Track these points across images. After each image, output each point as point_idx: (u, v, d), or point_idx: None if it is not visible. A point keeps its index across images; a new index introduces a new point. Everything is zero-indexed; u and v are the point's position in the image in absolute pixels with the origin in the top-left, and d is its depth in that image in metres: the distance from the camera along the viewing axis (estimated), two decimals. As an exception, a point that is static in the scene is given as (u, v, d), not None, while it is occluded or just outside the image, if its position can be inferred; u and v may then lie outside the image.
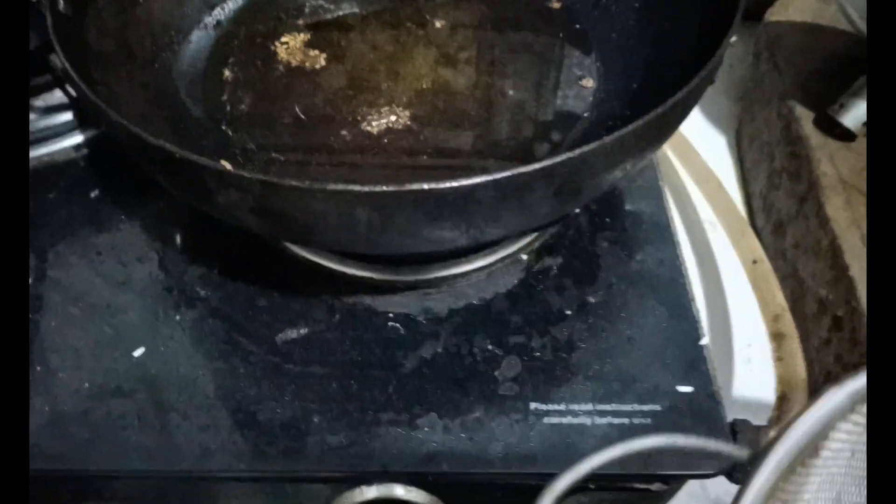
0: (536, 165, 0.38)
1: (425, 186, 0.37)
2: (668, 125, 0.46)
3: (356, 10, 0.67)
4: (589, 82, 0.60)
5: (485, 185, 0.38)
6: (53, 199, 0.62)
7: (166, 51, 0.59)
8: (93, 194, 0.62)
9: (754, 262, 0.59)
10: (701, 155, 0.71)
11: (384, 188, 0.37)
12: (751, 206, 0.70)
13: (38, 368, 0.52)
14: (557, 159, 0.38)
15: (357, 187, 0.37)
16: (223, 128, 0.56)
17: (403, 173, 0.54)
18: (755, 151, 0.72)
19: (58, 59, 0.44)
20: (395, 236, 0.42)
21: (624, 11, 0.62)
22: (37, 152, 0.64)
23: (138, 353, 0.52)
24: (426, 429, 0.48)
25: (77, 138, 0.65)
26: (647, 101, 0.55)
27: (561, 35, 0.64)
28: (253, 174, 0.37)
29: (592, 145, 0.39)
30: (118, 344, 0.53)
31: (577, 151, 0.39)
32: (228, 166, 0.38)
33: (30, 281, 0.56)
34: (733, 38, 0.49)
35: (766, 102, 0.70)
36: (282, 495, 0.49)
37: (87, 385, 0.51)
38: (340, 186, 0.37)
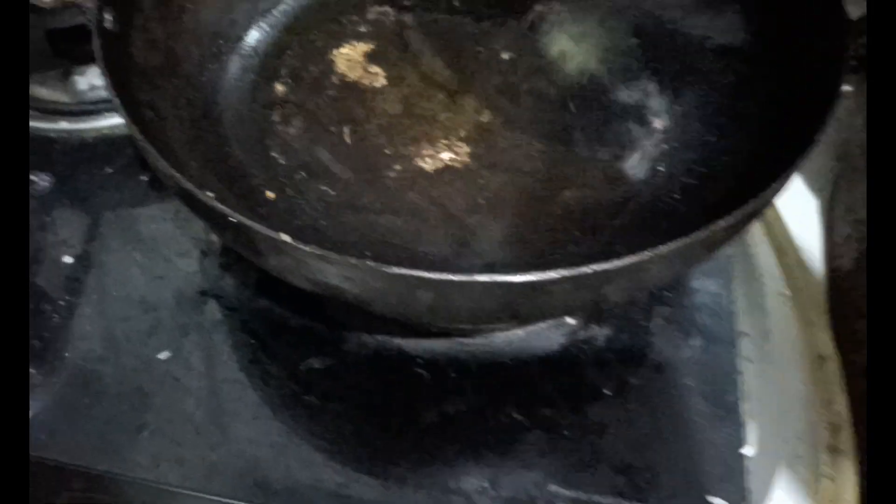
0: (619, 263, 0.35)
1: (497, 279, 0.35)
2: (744, 224, 0.42)
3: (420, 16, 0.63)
4: (660, 123, 0.55)
5: (561, 280, 0.35)
6: (108, 175, 0.61)
7: (214, 63, 0.56)
8: (144, 177, 0.61)
9: (821, 357, 0.54)
10: (784, 219, 0.65)
11: (451, 277, 0.35)
12: (835, 286, 0.64)
13: (67, 354, 0.52)
14: (642, 257, 0.35)
15: (422, 273, 0.35)
16: (272, 154, 0.54)
17: (459, 222, 0.51)
18: (848, 226, 0.65)
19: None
20: (454, 314, 0.40)
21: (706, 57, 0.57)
22: (97, 124, 0.64)
23: (164, 355, 0.52)
24: (435, 492, 0.46)
25: (139, 114, 0.64)
26: (722, 158, 0.51)
27: (637, 69, 0.58)
28: (311, 247, 0.35)
29: (669, 245, 0.35)
30: (147, 342, 0.52)
31: (660, 249, 0.35)
32: (287, 238, 0.36)
33: (70, 261, 0.56)
34: (846, 88, 0.44)
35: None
36: (281, 529, 0.49)
37: (108, 380, 0.51)
38: (404, 271, 0.35)
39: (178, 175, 0.37)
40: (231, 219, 0.36)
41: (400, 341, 0.52)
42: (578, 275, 0.34)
